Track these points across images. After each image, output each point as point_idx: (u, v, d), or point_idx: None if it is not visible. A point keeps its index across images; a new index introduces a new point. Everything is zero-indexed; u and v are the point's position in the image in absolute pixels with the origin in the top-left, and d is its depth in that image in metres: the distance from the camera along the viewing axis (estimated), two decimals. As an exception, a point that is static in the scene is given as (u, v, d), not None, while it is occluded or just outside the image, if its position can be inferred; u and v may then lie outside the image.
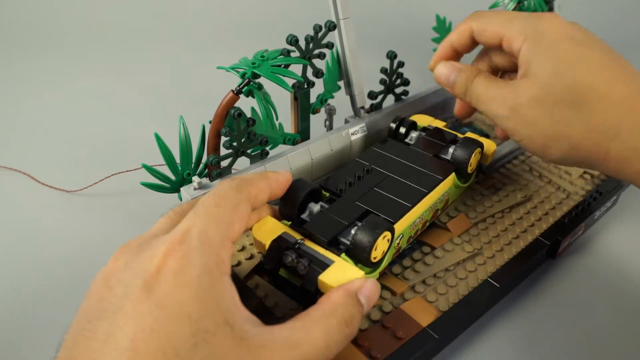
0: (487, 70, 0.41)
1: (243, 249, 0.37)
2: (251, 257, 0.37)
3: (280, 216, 0.34)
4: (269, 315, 0.33)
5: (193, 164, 0.38)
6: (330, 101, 0.44)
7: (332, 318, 0.25)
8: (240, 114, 0.36)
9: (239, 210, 0.26)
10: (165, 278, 0.22)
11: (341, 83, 0.45)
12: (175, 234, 0.24)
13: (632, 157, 0.31)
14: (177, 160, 0.37)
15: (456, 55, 0.40)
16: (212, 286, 0.23)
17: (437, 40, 0.54)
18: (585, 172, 0.46)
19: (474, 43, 0.39)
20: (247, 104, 0.39)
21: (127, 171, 0.47)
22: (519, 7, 0.56)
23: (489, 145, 0.41)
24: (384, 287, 0.35)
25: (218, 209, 0.25)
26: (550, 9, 0.62)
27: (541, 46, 0.33)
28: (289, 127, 0.42)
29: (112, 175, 0.47)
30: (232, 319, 0.22)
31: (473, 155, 0.38)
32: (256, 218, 0.33)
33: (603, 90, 0.32)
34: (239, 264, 0.36)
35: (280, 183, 0.31)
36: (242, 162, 0.39)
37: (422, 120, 0.44)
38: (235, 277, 0.35)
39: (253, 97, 0.37)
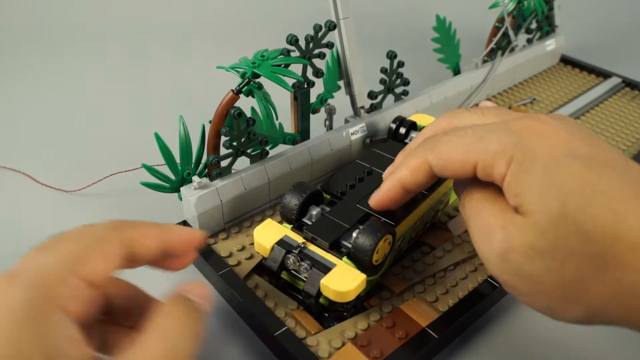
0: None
1: (243, 248, 0.37)
2: (251, 257, 0.37)
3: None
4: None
5: (193, 164, 0.38)
6: (330, 101, 0.44)
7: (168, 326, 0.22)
8: (240, 113, 0.36)
9: (101, 246, 0.23)
10: None
11: (341, 83, 0.45)
12: (6, 271, 0.21)
13: None
14: (177, 160, 0.37)
15: (405, 196, 0.31)
16: (35, 323, 0.20)
17: (437, 40, 0.54)
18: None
19: (432, 179, 0.29)
20: (247, 104, 0.39)
21: (126, 171, 0.47)
22: (519, 7, 0.56)
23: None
24: (383, 287, 0.35)
25: (70, 242, 0.22)
26: (551, 9, 0.62)
27: (534, 172, 0.24)
28: (289, 127, 0.42)
29: (112, 175, 0.47)
30: (57, 354, 0.20)
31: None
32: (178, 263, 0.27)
33: (635, 236, 0.22)
34: (238, 263, 0.36)
35: (181, 236, 0.26)
36: (242, 162, 0.39)
37: (422, 120, 0.44)
38: (235, 277, 0.35)
39: (253, 96, 0.37)
